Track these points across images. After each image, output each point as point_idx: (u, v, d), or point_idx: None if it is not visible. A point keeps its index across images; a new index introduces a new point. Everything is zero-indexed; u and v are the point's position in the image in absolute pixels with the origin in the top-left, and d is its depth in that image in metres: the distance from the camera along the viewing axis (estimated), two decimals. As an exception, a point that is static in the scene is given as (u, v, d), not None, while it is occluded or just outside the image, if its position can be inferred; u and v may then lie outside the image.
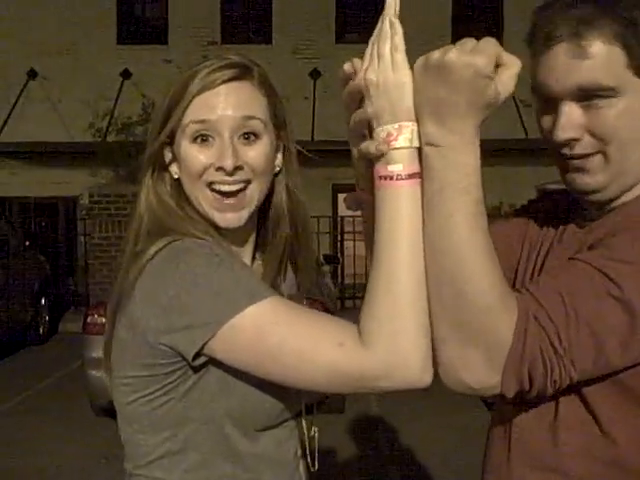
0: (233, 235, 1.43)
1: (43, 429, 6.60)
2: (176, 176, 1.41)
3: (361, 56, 1.22)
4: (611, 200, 1.32)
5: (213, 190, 1.37)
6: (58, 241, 15.10)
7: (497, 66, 1.14)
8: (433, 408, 6.58)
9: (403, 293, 1.17)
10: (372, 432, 6.61)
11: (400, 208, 1.18)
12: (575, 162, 1.30)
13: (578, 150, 1.29)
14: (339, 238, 14.99)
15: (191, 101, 1.35)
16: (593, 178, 1.30)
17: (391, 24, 1.17)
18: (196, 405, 1.31)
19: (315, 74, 15.90)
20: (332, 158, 15.82)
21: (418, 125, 1.18)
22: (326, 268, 10.40)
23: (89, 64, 16.00)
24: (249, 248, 1.49)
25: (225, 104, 1.36)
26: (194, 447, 1.33)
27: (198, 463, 1.34)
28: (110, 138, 14.70)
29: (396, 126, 1.17)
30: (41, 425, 6.71)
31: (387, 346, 1.16)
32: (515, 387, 1.16)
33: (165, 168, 1.43)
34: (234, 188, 1.37)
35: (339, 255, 12.79)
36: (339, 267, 13.13)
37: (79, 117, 15.63)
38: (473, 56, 1.11)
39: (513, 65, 1.15)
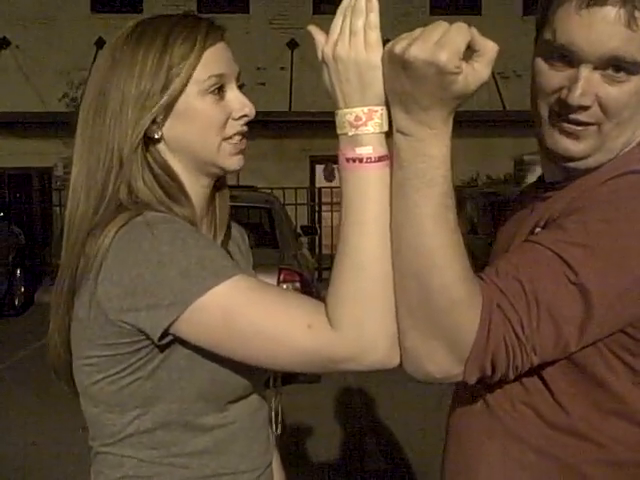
0: (197, 203, 1.39)
1: (19, 401, 6.58)
2: (157, 136, 1.33)
3: None
4: (584, 172, 1.31)
5: (228, 138, 1.35)
6: (33, 212, 14.97)
7: (472, 51, 1.08)
8: (409, 375, 6.63)
9: (370, 278, 1.15)
10: (348, 400, 6.65)
11: (368, 192, 1.16)
12: (569, 126, 1.27)
13: (584, 118, 1.26)
14: (316, 209, 15.00)
15: (201, 56, 1.31)
16: (578, 146, 1.28)
17: (367, 0, 1.12)
18: (164, 384, 1.29)
19: (292, 45, 15.80)
20: (309, 129, 15.77)
21: (388, 109, 1.15)
22: (303, 239, 10.41)
23: (63, 33, 15.80)
24: (205, 215, 1.45)
25: (229, 58, 1.36)
26: (163, 425, 1.31)
27: (167, 440, 1.32)
28: (85, 108, 14.53)
29: (366, 110, 1.14)
30: (17, 397, 6.69)
31: (354, 330, 1.15)
32: (477, 375, 1.17)
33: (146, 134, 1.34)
34: (245, 131, 1.38)
35: (317, 226, 12.79)
36: (317, 238, 13.14)
37: (53, 87, 15.47)
38: (436, 52, 1.04)
39: (488, 51, 1.08)
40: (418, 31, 1.09)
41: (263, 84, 14.80)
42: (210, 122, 1.33)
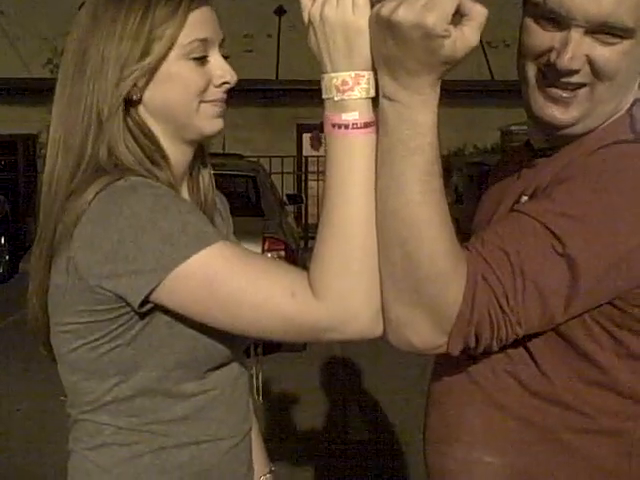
0: (177, 170, 1.37)
1: (3, 368, 6.60)
2: (136, 97, 1.30)
3: None
4: (572, 138, 1.30)
5: (206, 102, 1.33)
6: (17, 180, 14.86)
7: (460, 15, 1.05)
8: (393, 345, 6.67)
9: (355, 247, 1.14)
10: (333, 369, 6.67)
11: (354, 159, 1.14)
12: (557, 92, 1.26)
13: (576, 79, 1.24)
14: (303, 178, 14.97)
15: (185, 18, 1.28)
16: (566, 114, 1.26)
17: None
18: (144, 351, 1.27)
19: (280, 11, 15.66)
20: (297, 97, 15.68)
21: (375, 73, 1.13)
22: (290, 208, 10.39)
23: (47, -2, 15.59)
24: (186, 182, 1.45)
25: (214, 22, 1.34)
26: (143, 393, 1.30)
27: (147, 408, 1.31)
28: (70, 74, 14.40)
29: (352, 74, 1.12)
30: (1, 364, 6.70)
31: (338, 301, 1.14)
32: (461, 347, 1.16)
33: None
34: (225, 98, 1.36)
35: (303, 195, 12.77)
36: (303, 207, 13.13)
37: (37, 53, 15.29)
38: (423, 15, 1.02)
39: (477, 16, 1.05)
40: None
41: (250, 51, 14.68)
42: (190, 87, 1.31)
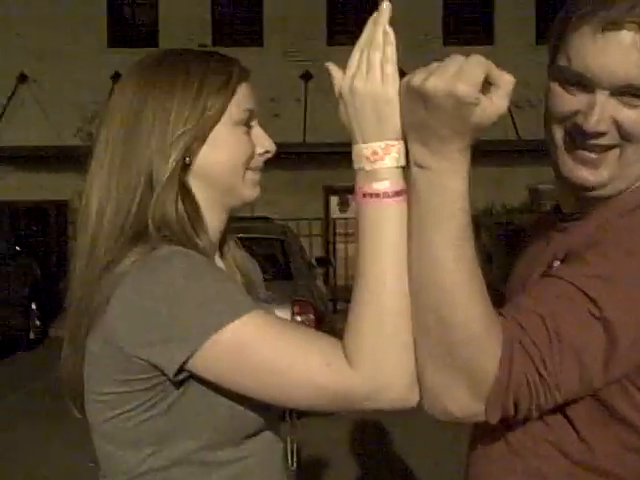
0: (213, 235, 1.38)
1: (30, 433, 6.58)
2: (188, 162, 1.32)
3: None
4: (602, 200, 1.29)
5: (250, 169, 1.38)
6: (49, 245, 15.04)
7: (489, 83, 1.08)
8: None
9: (388, 313, 1.13)
10: (363, 432, 6.59)
11: (386, 227, 1.15)
12: (586, 154, 1.25)
13: (603, 141, 1.23)
14: (331, 240, 15.00)
15: (235, 90, 1.34)
16: (596, 175, 1.25)
17: (384, 33, 1.13)
18: (180, 421, 1.26)
19: (307, 76, 15.89)
20: (323, 160, 15.81)
21: (405, 143, 1.14)
22: (318, 270, 10.39)
23: (79, 67, 15.95)
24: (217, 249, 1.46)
25: (255, 96, 1.39)
26: (179, 463, 1.28)
27: (182, 477, 1.29)
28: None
29: (382, 145, 1.14)
30: (28, 429, 6.69)
31: (372, 369, 1.13)
32: (499, 414, 1.14)
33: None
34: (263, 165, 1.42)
35: (331, 257, 12.77)
36: (331, 269, 13.12)
37: (69, 121, 15.60)
38: (454, 83, 1.04)
39: (505, 84, 1.08)
40: (435, 65, 1.09)
41: (277, 115, 14.88)
42: (239, 153, 1.35)
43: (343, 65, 1.18)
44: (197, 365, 1.19)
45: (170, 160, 1.29)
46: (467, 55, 1.09)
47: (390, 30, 1.14)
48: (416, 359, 1.14)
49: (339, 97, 1.17)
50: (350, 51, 1.18)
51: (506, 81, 1.08)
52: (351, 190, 1.19)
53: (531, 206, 14.83)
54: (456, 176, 1.11)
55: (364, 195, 1.16)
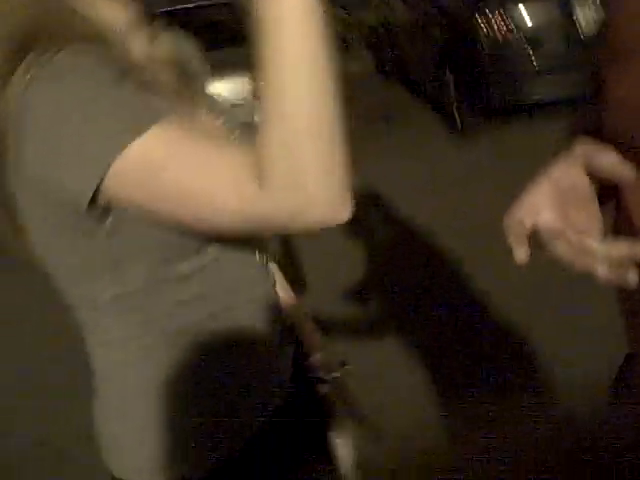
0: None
1: None
2: None
3: None
4: None
5: None
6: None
7: None
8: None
9: (297, 116, 1.01)
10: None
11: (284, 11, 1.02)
12: None
13: None
14: None
15: None
16: None
17: None
18: (125, 244, 1.23)
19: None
20: None
21: None
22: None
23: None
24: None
25: None
26: (143, 287, 1.27)
27: (151, 299, 1.28)
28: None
29: None
30: None
31: (286, 187, 1.03)
32: None
33: None
34: None
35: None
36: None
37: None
38: None
39: None
40: None
41: None
42: None
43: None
44: (109, 192, 1.13)
45: None
46: None
47: None
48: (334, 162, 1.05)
49: None
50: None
51: None
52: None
53: None
54: None
55: None
